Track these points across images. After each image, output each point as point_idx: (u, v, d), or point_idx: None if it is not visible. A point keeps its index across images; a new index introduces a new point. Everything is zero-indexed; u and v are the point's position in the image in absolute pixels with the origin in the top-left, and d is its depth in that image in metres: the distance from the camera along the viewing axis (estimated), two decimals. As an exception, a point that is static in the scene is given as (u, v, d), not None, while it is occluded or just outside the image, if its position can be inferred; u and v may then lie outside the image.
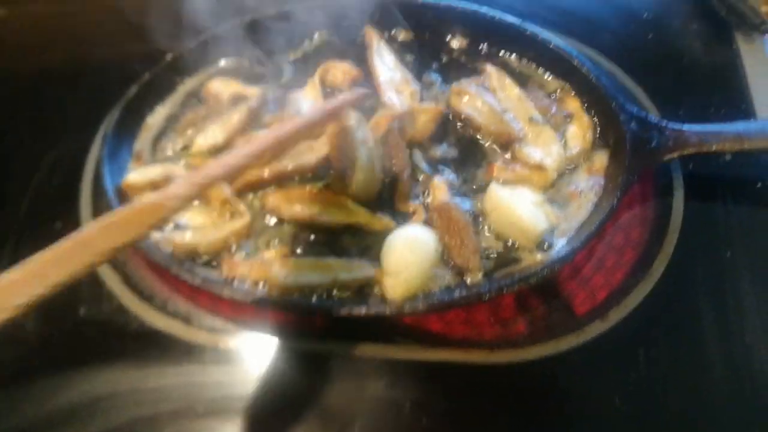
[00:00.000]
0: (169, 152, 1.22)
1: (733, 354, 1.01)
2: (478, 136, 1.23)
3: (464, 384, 0.99)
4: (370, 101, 1.26)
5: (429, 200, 1.13)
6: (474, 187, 1.16)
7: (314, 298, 1.01)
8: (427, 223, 1.10)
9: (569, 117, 1.23)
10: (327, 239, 1.10)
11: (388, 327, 1.02)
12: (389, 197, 1.14)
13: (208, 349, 1.02)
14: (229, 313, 1.05)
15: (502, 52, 1.35)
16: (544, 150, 1.16)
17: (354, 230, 1.10)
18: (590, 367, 1.01)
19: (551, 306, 1.06)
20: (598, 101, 1.21)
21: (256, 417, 0.96)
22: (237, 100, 1.26)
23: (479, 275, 1.03)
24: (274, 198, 1.11)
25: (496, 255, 1.07)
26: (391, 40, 1.38)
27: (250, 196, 1.14)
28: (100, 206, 1.17)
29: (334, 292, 1.02)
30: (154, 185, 1.13)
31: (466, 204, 1.12)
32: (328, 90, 1.31)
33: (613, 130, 1.17)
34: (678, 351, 1.02)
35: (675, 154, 1.11)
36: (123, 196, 1.13)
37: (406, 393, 0.97)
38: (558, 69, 1.29)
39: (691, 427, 0.96)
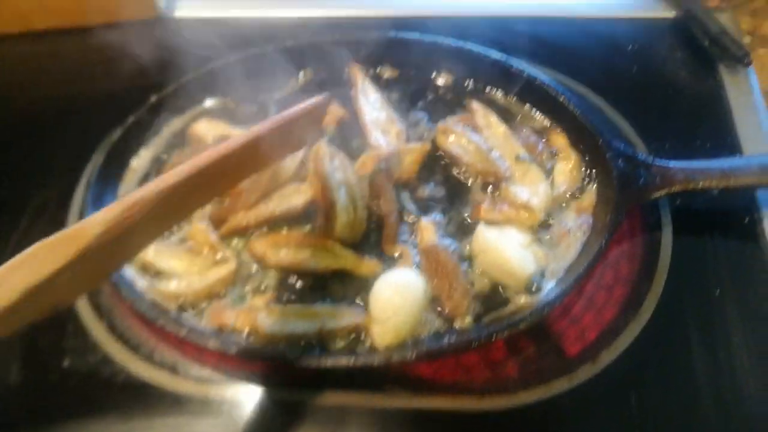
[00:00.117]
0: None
1: (723, 394, 1.00)
2: (465, 175, 1.22)
3: (454, 432, 0.98)
4: (356, 141, 1.26)
5: (417, 241, 1.13)
6: (462, 227, 1.15)
7: (301, 347, 1.00)
8: (416, 265, 1.09)
9: (556, 154, 1.23)
10: (314, 284, 1.09)
11: (377, 375, 1.01)
12: (377, 239, 1.13)
13: (196, 400, 1.00)
14: (216, 362, 1.03)
15: (488, 89, 1.35)
16: (531, 189, 1.16)
17: (341, 275, 1.09)
18: (582, 411, 1.00)
19: (541, 347, 1.05)
20: (585, 138, 1.20)
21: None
22: (223, 141, 1.25)
23: (468, 319, 1.03)
24: (260, 243, 1.10)
25: (485, 297, 1.06)
26: (376, 78, 1.38)
27: (236, 240, 1.13)
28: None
29: (322, 339, 1.01)
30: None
31: (454, 245, 1.12)
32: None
33: (601, 167, 1.17)
34: (669, 392, 1.01)
35: (662, 192, 1.11)
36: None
37: (396, 442, 0.96)
38: (544, 105, 1.29)
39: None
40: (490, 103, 1.32)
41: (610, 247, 1.13)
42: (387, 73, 1.39)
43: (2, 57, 1.58)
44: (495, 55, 1.33)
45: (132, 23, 1.56)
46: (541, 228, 1.14)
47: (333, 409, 0.99)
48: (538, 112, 1.30)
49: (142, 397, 1.01)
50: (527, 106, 1.31)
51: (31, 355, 1.05)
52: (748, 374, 1.02)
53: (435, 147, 1.26)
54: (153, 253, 1.10)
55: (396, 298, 1.01)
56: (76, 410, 1.00)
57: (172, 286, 1.06)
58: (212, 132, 1.27)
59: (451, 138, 1.24)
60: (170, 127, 1.32)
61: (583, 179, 1.20)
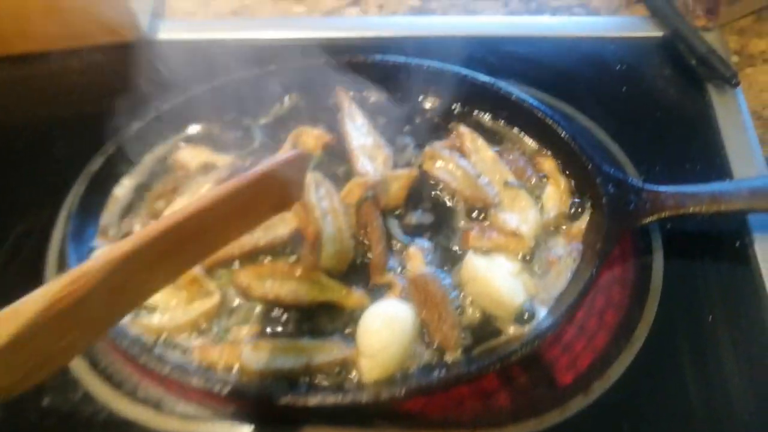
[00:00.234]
0: (137, 227, 1.18)
1: (717, 422, 0.99)
2: (454, 201, 1.21)
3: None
4: (342, 167, 1.24)
5: (405, 270, 1.11)
6: (451, 255, 1.14)
7: (288, 383, 0.98)
8: (404, 295, 1.07)
9: (545, 178, 1.21)
10: (300, 317, 1.06)
11: (365, 409, 0.99)
12: (364, 269, 1.11)
13: (181, 439, 0.98)
14: (201, 399, 1.01)
15: (475, 112, 1.33)
16: (520, 216, 1.14)
17: (328, 306, 1.07)
18: (574, 444, 0.98)
19: (533, 376, 1.03)
20: (575, 162, 1.19)
21: None
22: (207, 168, 1.23)
23: (459, 352, 1.01)
24: (244, 275, 1.08)
25: (475, 328, 1.04)
26: (363, 101, 1.36)
27: (220, 272, 1.11)
28: (65, 287, 1.12)
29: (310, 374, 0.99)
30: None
31: (442, 273, 1.10)
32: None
33: (591, 192, 1.16)
34: (662, 421, 1.00)
35: (653, 218, 1.10)
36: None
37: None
38: (533, 129, 1.27)
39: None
40: (478, 127, 1.30)
41: (602, 272, 1.12)
42: (373, 96, 1.37)
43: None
44: (482, 77, 1.31)
45: (114, 46, 1.54)
46: (530, 255, 1.12)
47: (321, 447, 0.97)
48: (526, 136, 1.28)
49: (125, 436, 0.98)
50: (515, 129, 1.30)
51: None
52: (742, 401, 1.01)
53: (423, 172, 1.24)
54: (135, 285, 1.08)
55: (384, 331, 0.99)
56: (56, 452, 0.97)
57: (155, 319, 1.04)
58: (196, 159, 1.24)
59: (439, 163, 1.22)
60: (153, 154, 1.28)
61: (573, 204, 1.18)
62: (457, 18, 1.68)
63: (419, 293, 1.05)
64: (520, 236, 1.12)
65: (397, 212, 1.19)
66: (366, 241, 1.13)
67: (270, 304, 1.07)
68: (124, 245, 0.74)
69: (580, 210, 1.17)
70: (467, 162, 1.22)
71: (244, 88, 1.33)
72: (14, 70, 1.55)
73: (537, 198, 1.19)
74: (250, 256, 1.12)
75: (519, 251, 1.12)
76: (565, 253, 1.12)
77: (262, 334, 1.04)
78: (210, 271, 1.10)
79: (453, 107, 1.35)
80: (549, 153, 1.25)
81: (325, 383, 0.99)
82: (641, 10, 1.65)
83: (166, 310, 1.05)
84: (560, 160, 1.23)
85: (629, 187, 1.13)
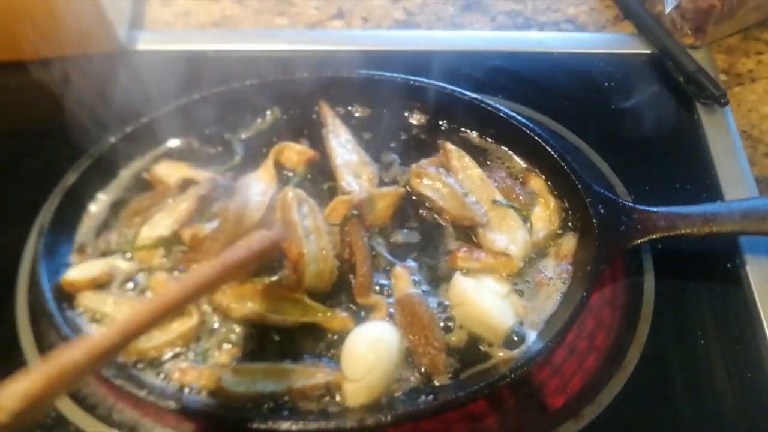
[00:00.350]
0: (114, 244, 1.13)
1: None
2: (441, 220, 1.18)
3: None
4: (326, 185, 1.21)
5: (391, 290, 1.07)
6: (438, 275, 1.11)
7: (269, 408, 0.94)
8: (390, 317, 1.04)
9: (534, 197, 1.19)
10: (282, 339, 1.03)
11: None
12: (349, 289, 1.08)
13: (156, 465, 0.94)
14: (178, 423, 0.97)
15: (463, 129, 1.30)
16: (508, 236, 1.12)
17: (312, 328, 1.03)
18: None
19: (523, 399, 1.01)
20: (564, 181, 1.16)
21: None
22: (186, 184, 1.19)
23: (446, 377, 0.98)
24: (224, 295, 1.04)
25: (463, 351, 1.01)
26: (347, 116, 1.33)
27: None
28: (36, 309, 1.08)
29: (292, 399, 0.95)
30: (97, 282, 1.06)
31: (429, 294, 1.07)
32: (283, 171, 1.24)
33: (580, 212, 1.13)
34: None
35: (644, 240, 1.08)
36: (63, 295, 1.05)
37: None
38: (521, 146, 1.25)
39: None
40: (466, 144, 1.27)
41: (592, 293, 1.09)
42: (358, 111, 1.34)
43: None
44: (469, 94, 1.28)
45: (91, 57, 1.49)
46: (519, 276, 1.09)
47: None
48: (514, 154, 1.26)
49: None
50: (503, 147, 1.27)
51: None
52: (735, 425, 1.00)
53: (409, 190, 1.21)
54: (111, 305, 1.04)
55: (369, 355, 0.96)
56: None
57: (131, 341, 0.99)
58: (174, 174, 1.20)
59: (426, 181, 1.19)
60: (130, 169, 1.24)
61: (562, 224, 1.16)
62: (443, 32, 1.66)
63: (406, 315, 1.02)
64: (509, 257, 1.09)
65: (383, 231, 1.16)
66: (351, 261, 1.09)
67: (250, 326, 1.03)
68: (109, 338, 0.76)
69: (569, 230, 1.15)
70: (454, 180, 1.19)
71: (225, 101, 1.29)
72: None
73: (525, 217, 1.16)
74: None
75: (508, 272, 1.09)
76: (554, 275, 1.09)
77: (242, 357, 1.00)
78: (188, 291, 1.06)
79: (440, 123, 1.32)
80: (538, 171, 1.22)
81: (309, 408, 0.95)
82: (628, 27, 1.64)
83: (142, 332, 1.01)
84: (549, 179, 1.20)
85: (620, 208, 1.11)
